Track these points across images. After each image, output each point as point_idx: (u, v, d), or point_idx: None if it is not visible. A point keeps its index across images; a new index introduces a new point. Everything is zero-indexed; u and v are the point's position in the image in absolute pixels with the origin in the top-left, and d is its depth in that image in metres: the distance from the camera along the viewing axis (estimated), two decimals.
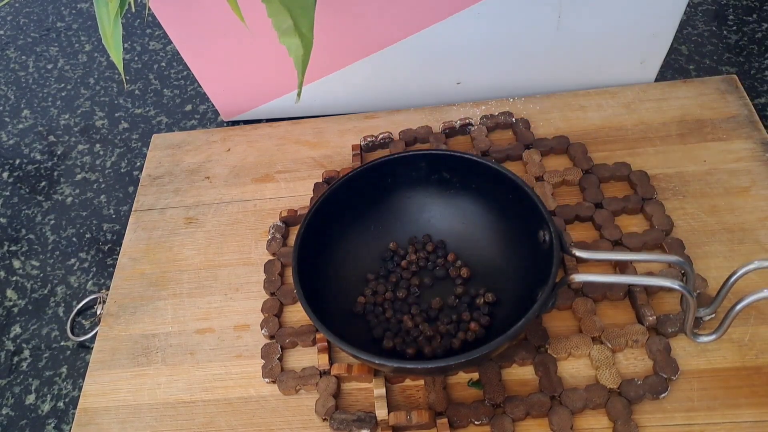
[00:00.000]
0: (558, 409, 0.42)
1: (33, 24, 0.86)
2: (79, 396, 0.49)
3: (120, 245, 0.58)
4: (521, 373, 0.45)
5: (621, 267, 0.49)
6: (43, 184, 0.67)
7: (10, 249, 0.61)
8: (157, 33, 0.81)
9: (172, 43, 0.77)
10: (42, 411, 0.50)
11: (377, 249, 0.52)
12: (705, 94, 0.59)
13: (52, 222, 0.63)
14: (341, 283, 0.49)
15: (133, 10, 0.55)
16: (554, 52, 0.60)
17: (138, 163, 0.67)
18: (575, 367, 0.45)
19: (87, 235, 0.61)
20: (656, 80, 0.62)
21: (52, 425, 0.49)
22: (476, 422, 0.42)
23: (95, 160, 0.68)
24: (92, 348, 0.51)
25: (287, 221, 0.56)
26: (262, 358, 0.48)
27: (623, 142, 0.57)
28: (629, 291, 0.47)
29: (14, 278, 0.59)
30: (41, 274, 0.59)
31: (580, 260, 0.49)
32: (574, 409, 0.42)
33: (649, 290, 0.47)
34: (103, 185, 0.66)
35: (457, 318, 0.47)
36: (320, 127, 0.64)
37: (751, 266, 0.40)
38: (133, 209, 0.60)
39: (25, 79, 0.79)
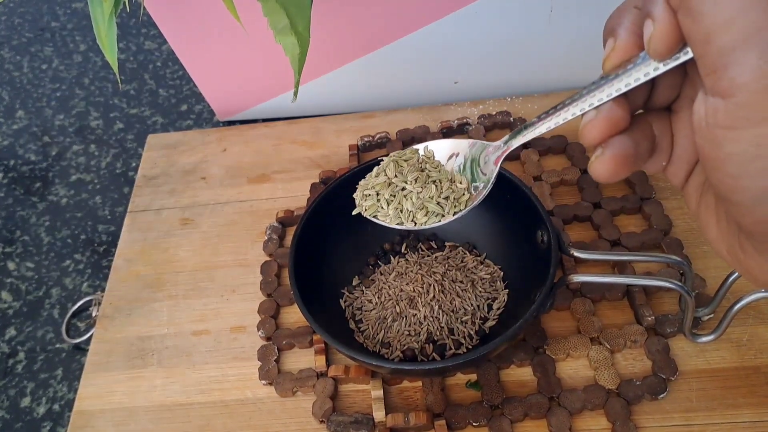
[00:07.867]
0: (556, 410, 0.42)
1: (27, 24, 0.86)
2: (74, 398, 0.48)
3: (115, 246, 0.57)
4: (519, 374, 0.45)
5: (619, 267, 0.48)
6: (38, 185, 0.66)
7: (5, 251, 0.61)
8: (152, 32, 0.81)
9: (167, 42, 0.76)
10: (37, 414, 0.50)
11: (375, 250, 0.51)
12: None
13: (47, 223, 0.63)
14: (338, 285, 0.49)
15: (128, 9, 0.55)
16: (552, 51, 0.59)
17: (133, 164, 0.66)
18: (574, 368, 0.45)
19: (82, 237, 0.61)
20: None
21: (48, 428, 0.49)
22: (474, 424, 0.42)
23: (90, 160, 0.68)
24: (87, 350, 0.51)
25: (284, 222, 0.56)
26: (258, 360, 0.48)
27: None
28: (628, 291, 0.47)
29: (9, 280, 0.59)
30: (36, 276, 0.59)
31: (578, 260, 0.49)
32: (573, 410, 0.42)
33: (647, 290, 0.47)
34: (98, 186, 0.65)
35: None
36: (317, 127, 0.64)
37: None
38: (128, 210, 0.60)
39: (20, 80, 0.78)
